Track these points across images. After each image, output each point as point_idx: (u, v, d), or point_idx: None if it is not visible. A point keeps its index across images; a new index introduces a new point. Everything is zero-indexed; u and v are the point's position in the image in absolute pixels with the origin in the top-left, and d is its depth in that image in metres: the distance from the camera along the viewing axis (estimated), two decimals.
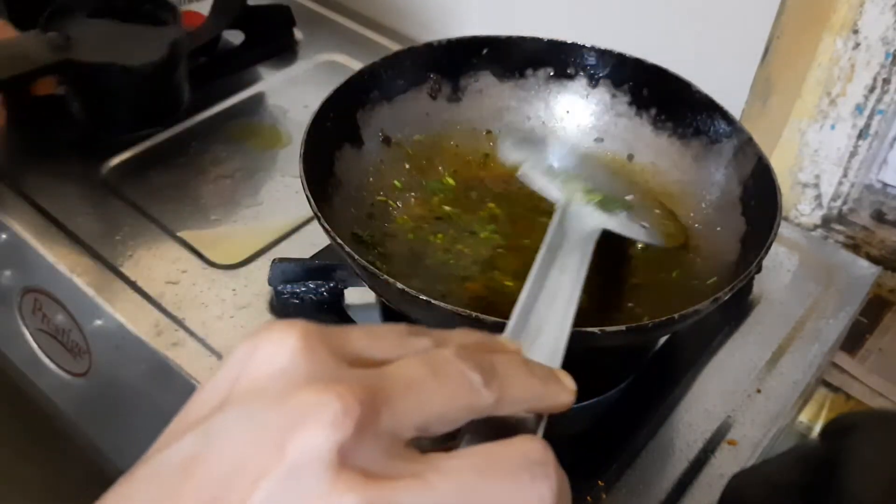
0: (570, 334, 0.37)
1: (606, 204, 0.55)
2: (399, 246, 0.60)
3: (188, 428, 0.25)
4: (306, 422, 0.23)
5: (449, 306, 0.43)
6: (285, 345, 0.26)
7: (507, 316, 0.43)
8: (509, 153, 0.58)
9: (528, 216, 0.63)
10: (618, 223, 0.54)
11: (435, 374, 0.26)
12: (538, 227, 0.62)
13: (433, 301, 0.43)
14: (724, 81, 0.64)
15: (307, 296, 0.61)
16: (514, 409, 0.29)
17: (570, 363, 0.59)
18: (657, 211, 0.62)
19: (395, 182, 0.63)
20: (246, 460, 0.23)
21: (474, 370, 0.27)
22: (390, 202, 0.63)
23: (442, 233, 0.61)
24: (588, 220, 0.53)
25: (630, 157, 0.66)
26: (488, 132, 0.67)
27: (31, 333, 0.71)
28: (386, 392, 0.25)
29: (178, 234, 0.68)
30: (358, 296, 0.62)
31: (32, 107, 0.77)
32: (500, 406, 0.27)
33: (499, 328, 0.42)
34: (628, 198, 0.59)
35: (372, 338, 0.28)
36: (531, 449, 0.26)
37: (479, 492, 0.25)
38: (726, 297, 0.46)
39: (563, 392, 0.30)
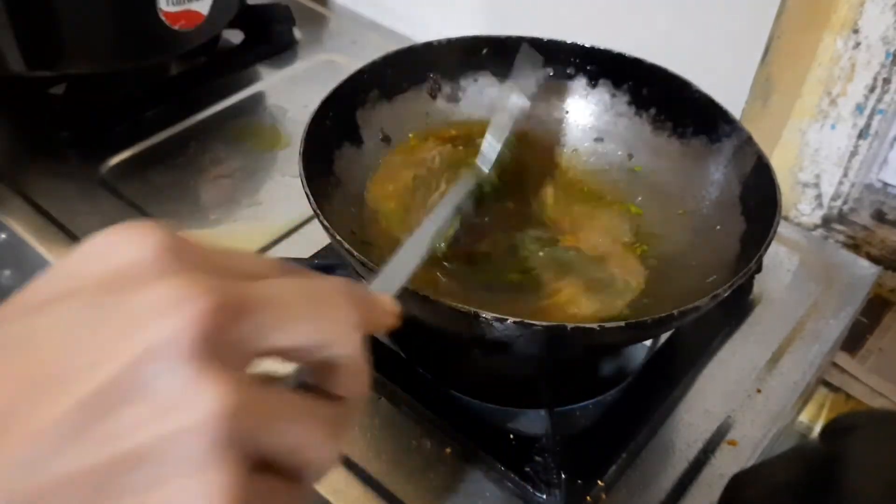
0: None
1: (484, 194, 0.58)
2: (399, 244, 0.60)
3: (11, 316, 0.23)
4: (162, 312, 0.21)
5: (449, 303, 0.43)
6: (146, 238, 0.24)
7: (508, 314, 0.43)
8: (527, 83, 0.57)
9: (530, 215, 0.63)
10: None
11: (312, 301, 0.25)
12: (541, 226, 0.62)
13: (432, 298, 0.43)
14: (724, 81, 0.64)
15: None
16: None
17: (569, 363, 0.59)
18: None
19: (396, 181, 0.63)
20: (83, 346, 0.21)
21: (355, 307, 0.26)
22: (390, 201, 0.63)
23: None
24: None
25: (630, 156, 0.66)
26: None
27: None
28: (253, 302, 0.23)
29: (178, 233, 0.67)
30: None
31: (33, 106, 0.77)
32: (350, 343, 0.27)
33: (498, 325, 0.42)
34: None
35: (239, 256, 0.27)
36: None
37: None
38: (726, 295, 0.46)
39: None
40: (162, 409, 0.21)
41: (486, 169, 0.58)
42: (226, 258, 0.26)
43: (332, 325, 0.25)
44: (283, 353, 0.25)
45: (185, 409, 0.21)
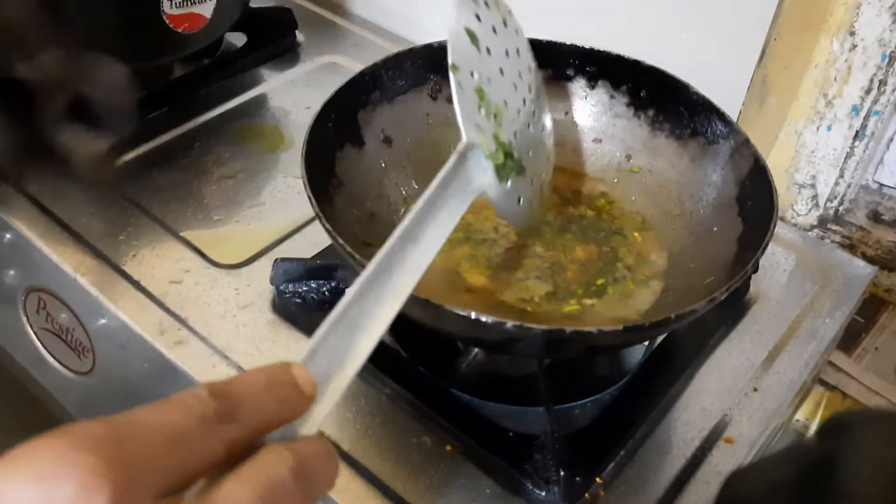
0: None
1: (501, 169, 0.48)
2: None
3: None
4: None
5: (448, 307, 0.43)
6: (94, 496, 0.22)
7: (508, 315, 0.43)
8: (459, 43, 0.47)
9: None
10: (497, 193, 0.48)
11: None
12: (543, 229, 0.63)
13: (432, 301, 0.44)
14: (721, 83, 0.65)
15: (309, 295, 0.62)
16: None
17: (568, 362, 0.60)
18: (544, 189, 0.57)
19: (397, 182, 0.64)
20: None
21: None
22: (391, 202, 0.63)
23: None
24: (477, 178, 0.46)
25: (628, 157, 0.67)
26: None
27: (35, 332, 0.72)
28: None
29: (182, 233, 0.68)
30: None
31: (38, 108, 0.78)
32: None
33: (498, 329, 0.43)
34: (528, 155, 0.52)
35: (172, 444, 0.25)
36: None
37: None
38: (723, 297, 0.47)
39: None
40: None
41: (483, 146, 0.46)
42: (151, 450, 0.25)
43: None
44: None
45: None
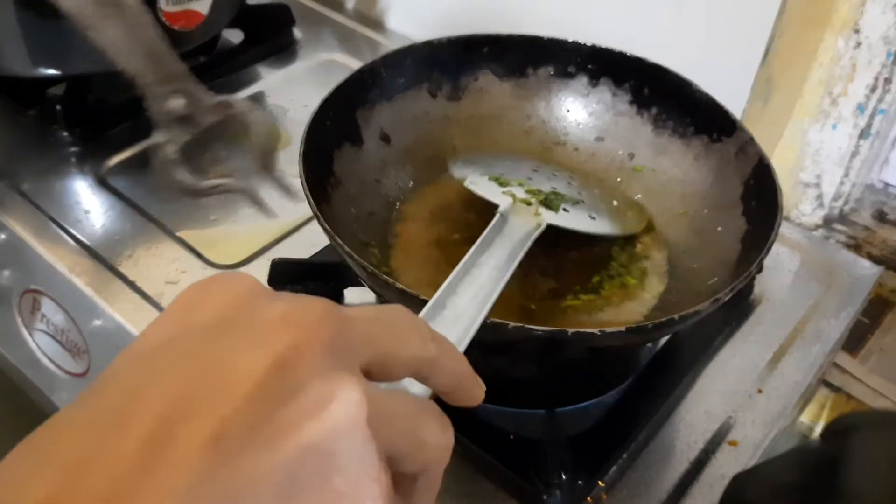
0: (479, 328, 0.39)
1: (551, 202, 0.55)
2: (398, 245, 0.60)
3: (129, 363, 0.24)
4: (287, 327, 0.23)
5: None
6: (241, 281, 0.26)
7: (506, 316, 0.43)
8: (455, 170, 0.60)
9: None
10: (562, 219, 0.54)
11: (392, 319, 0.27)
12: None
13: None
14: (725, 81, 0.64)
15: None
16: (441, 381, 0.29)
17: (570, 363, 0.59)
18: (615, 203, 0.61)
19: (395, 181, 0.63)
20: (223, 363, 0.23)
21: (424, 325, 0.28)
22: (390, 201, 0.63)
23: (442, 232, 0.61)
24: (529, 218, 0.52)
25: (631, 156, 0.66)
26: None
27: (30, 334, 0.71)
28: (349, 319, 0.25)
29: (178, 233, 0.68)
30: (358, 296, 0.62)
31: (33, 106, 0.77)
32: (434, 368, 0.28)
33: (499, 330, 0.42)
34: (580, 194, 0.58)
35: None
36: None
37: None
38: (727, 298, 0.46)
39: (480, 389, 0.32)
40: (316, 406, 0.22)
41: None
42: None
43: (412, 337, 0.28)
44: (381, 362, 0.26)
45: (336, 405, 0.23)
